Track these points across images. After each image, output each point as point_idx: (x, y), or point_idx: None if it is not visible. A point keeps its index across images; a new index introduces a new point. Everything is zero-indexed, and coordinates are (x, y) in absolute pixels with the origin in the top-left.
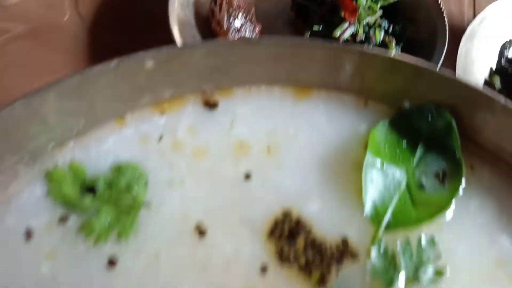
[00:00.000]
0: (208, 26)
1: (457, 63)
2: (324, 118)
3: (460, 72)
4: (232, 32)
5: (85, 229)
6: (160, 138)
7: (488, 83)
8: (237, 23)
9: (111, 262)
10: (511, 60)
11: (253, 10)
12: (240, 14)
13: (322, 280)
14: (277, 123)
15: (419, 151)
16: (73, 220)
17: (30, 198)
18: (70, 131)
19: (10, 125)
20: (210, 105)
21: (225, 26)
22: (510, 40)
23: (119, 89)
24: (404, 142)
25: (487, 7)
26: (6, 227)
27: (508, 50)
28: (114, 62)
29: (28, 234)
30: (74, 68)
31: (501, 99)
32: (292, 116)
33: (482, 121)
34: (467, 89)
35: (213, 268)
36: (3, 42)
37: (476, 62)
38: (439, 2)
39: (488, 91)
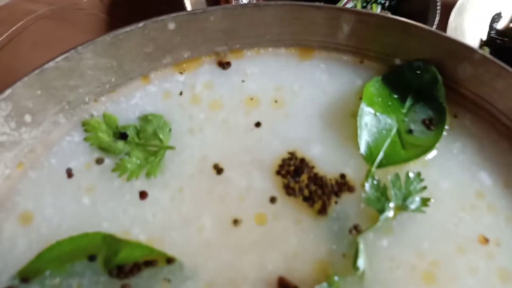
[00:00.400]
0: (217, 4)
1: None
2: (324, 75)
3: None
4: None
5: (119, 168)
6: (181, 93)
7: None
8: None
9: (142, 194)
10: (500, 31)
11: None
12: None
13: (324, 208)
14: (283, 80)
15: (408, 102)
16: (108, 161)
17: (70, 143)
18: (103, 86)
19: (53, 78)
20: (224, 65)
21: (233, 2)
22: (499, 13)
23: (144, 50)
24: (395, 94)
25: None
26: (50, 168)
27: (497, 22)
28: (141, 23)
29: (69, 173)
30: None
31: (479, 51)
32: (296, 74)
33: (464, 73)
34: (449, 42)
35: (229, 199)
36: (30, 21)
37: (466, 34)
38: None
39: (468, 44)
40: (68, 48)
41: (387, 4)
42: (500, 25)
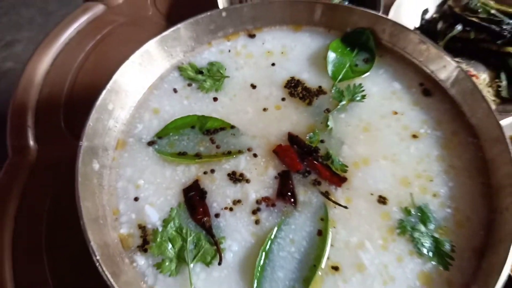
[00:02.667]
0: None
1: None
2: (308, 39)
3: None
4: None
5: (201, 87)
6: (229, 51)
7: None
8: None
9: (215, 99)
10: (427, 20)
11: None
12: None
13: (310, 102)
14: (285, 42)
15: (355, 50)
16: (194, 85)
17: (173, 76)
18: (188, 47)
19: (166, 40)
20: (251, 35)
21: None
22: (426, 9)
23: (209, 28)
24: (348, 47)
25: None
26: (165, 88)
27: (425, 14)
28: (208, 13)
29: (175, 90)
30: None
31: (391, 20)
32: (293, 39)
33: (384, 32)
34: (375, 16)
35: (260, 99)
36: (113, 28)
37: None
38: None
39: (385, 16)
40: (139, 46)
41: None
42: (427, 16)
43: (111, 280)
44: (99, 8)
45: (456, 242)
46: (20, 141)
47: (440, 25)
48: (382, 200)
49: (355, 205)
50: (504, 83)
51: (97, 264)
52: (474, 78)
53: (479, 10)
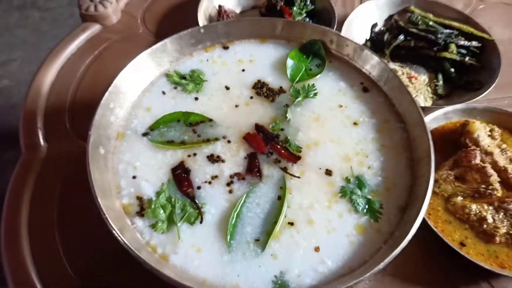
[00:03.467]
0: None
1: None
2: (272, 50)
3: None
4: None
5: (184, 90)
6: (207, 60)
7: (364, 45)
8: None
9: (196, 98)
10: (376, 33)
11: (239, 17)
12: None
13: (273, 99)
14: (253, 52)
15: (310, 57)
16: (179, 88)
17: (161, 82)
18: (174, 58)
19: (155, 52)
20: (225, 47)
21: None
22: (375, 23)
23: (190, 42)
24: (304, 55)
25: (359, 6)
26: (154, 91)
27: (375, 28)
28: (189, 29)
29: (164, 92)
30: None
31: (335, 32)
32: (259, 50)
33: (332, 42)
34: (325, 30)
35: (233, 98)
36: (109, 45)
37: (352, 36)
38: (334, 10)
39: (331, 30)
40: (133, 56)
41: (310, 22)
42: (376, 29)
43: (120, 234)
44: (96, 28)
45: (384, 202)
46: (31, 140)
47: (386, 36)
48: (328, 172)
49: (307, 176)
50: (440, 82)
51: (106, 221)
52: (413, 79)
53: (419, 23)
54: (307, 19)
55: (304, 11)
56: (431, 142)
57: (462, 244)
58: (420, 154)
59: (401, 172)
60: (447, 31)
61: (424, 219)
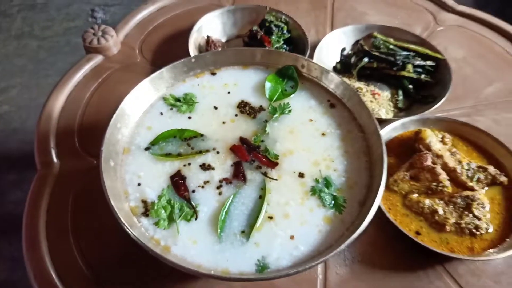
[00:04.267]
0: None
1: (314, 58)
2: (253, 73)
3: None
4: None
5: (179, 110)
6: (198, 85)
7: (335, 67)
8: None
9: (190, 117)
10: (345, 56)
11: (225, 47)
12: (219, 49)
13: (255, 116)
14: (237, 77)
15: (285, 80)
16: (174, 109)
17: (159, 104)
18: (170, 84)
19: (153, 80)
20: (213, 74)
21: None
22: (344, 48)
23: (182, 70)
24: (280, 78)
25: (328, 33)
26: (153, 112)
27: (344, 51)
28: (182, 60)
29: (161, 113)
30: None
31: (305, 58)
32: (242, 75)
33: (302, 66)
34: (296, 57)
35: (221, 116)
36: (111, 73)
37: (324, 61)
38: (307, 37)
39: (302, 56)
40: (131, 86)
41: (287, 49)
42: (345, 53)
43: (130, 229)
44: (99, 58)
45: (347, 198)
46: (46, 157)
47: (353, 59)
48: (301, 175)
49: (283, 179)
50: (400, 97)
51: (118, 219)
52: (377, 95)
53: (381, 46)
54: (284, 46)
55: (281, 39)
56: (384, 148)
57: (417, 233)
58: (376, 158)
59: (361, 173)
60: (405, 53)
61: (385, 214)
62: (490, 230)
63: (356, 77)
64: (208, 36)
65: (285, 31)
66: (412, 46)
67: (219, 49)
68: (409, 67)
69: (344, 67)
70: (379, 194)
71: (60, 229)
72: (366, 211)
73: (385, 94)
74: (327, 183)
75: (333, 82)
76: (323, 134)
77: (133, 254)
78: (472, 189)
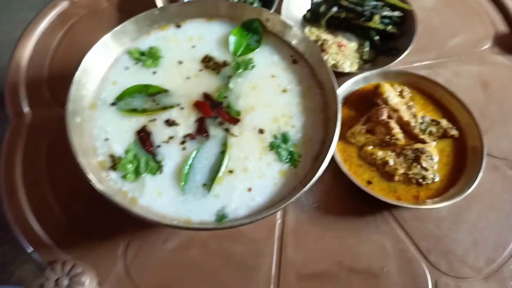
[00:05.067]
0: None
1: (282, 6)
2: (218, 27)
3: (284, 11)
4: None
5: (144, 65)
6: (163, 38)
7: (305, 16)
8: None
9: (154, 72)
10: (315, 3)
11: None
12: None
13: (218, 72)
14: (202, 30)
15: (250, 34)
16: (140, 63)
17: (125, 58)
18: (134, 36)
19: (117, 34)
20: (178, 26)
21: None
22: None
23: (146, 22)
24: (245, 31)
25: None
26: (120, 64)
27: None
28: (145, 12)
29: (126, 68)
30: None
31: (270, 12)
32: (207, 27)
33: (267, 21)
34: (261, 10)
35: (185, 70)
36: (77, 20)
37: (293, 8)
38: None
39: (266, 10)
40: (99, 33)
41: None
42: (315, 0)
43: (96, 184)
44: (64, 3)
45: (302, 153)
46: (17, 108)
47: (322, 8)
48: (260, 131)
49: (244, 135)
50: (366, 49)
51: (85, 174)
52: (343, 47)
53: None
54: None
55: None
56: (339, 106)
57: (369, 182)
58: (332, 115)
59: (317, 129)
60: (373, 3)
61: (340, 164)
62: (437, 179)
63: (325, 27)
64: None
65: None
66: None
67: None
68: (376, 18)
69: (313, 16)
70: (330, 150)
71: (36, 178)
72: (318, 166)
73: (352, 45)
74: (285, 139)
75: (296, 37)
76: (284, 91)
77: (104, 202)
78: (423, 141)
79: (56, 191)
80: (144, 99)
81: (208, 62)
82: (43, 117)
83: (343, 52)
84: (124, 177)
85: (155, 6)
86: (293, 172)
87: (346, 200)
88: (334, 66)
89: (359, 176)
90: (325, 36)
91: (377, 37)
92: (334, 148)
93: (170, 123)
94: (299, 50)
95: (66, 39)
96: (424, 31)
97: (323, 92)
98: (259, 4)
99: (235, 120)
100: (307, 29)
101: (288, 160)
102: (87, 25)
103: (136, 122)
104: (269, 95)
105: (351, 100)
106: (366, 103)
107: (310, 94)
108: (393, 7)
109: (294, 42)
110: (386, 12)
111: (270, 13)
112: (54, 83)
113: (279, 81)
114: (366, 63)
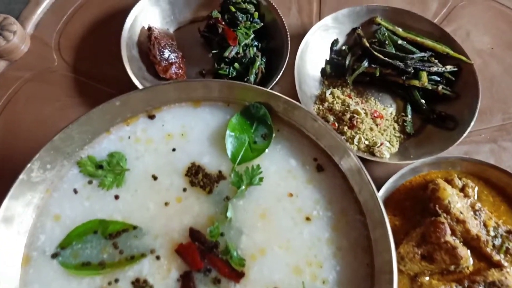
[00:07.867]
0: (148, 58)
1: (295, 62)
2: (208, 115)
3: (297, 67)
4: (163, 61)
5: (101, 184)
6: (129, 137)
7: (324, 69)
8: (166, 54)
9: (116, 196)
10: (336, 52)
11: (174, 42)
12: (167, 49)
13: (211, 190)
14: (185, 121)
15: (254, 125)
16: (95, 182)
17: (72, 174)
18: (85, 141)
19: (59, 143)
20: (151, 117)
21: (158, 58)
22: (336, 39)
23: (105, 117)
24: (247, 121)
25: (317, 23)
26: (64, 189)
27: (335, 46)
28: (100, 106)
29: (75, 191)
30: (66, 96)
31: (283, 97)
32: (192, 116)
33: (278, 107)
34: (269, 94)
35: (161, 192)
36: (20, 85)
37: (310, 59)
38: (285, 26)
39: (276, 93)
40: (49, 100)
41: (260, 46)
42: (337, 47)
43: None
44: (1, 64)
45: None
46: None
47: (348, 59)
48: None
49: None
50: (409, 117)
51: None
52: (379, 119)
53: (386, 41)
54: (255, 43)
55: (251, 31)
56: (393, 248)
57: None
58: (382, 266)
59: (360, 284)
60: (418, 55)
61: None
62: None
63: (351, 85)
64: (150, 28)
65: (255, 19)
66: (429, 42)
67: (165, 46)
68: (424, 75)
69: (335, 70)
70: None
71: None
72: None
73: (390, 111)
74: None
75: (321, 133)
76: (308, 219)
77: None
78: (499, 264)
79: None
80: (102, 243)
81: (195, 175)
82: None
83: (379, 126)
84: None
85: (120, 63)
86: None
87: None
88: (368, 149)
89: None
90: (354, 101)
91: (422, 101)
92: None
93: (140, 285)
94: (327, 151)
95: (5, 115)
96: (483, 85)
97: (364, 220)
98: (262, 63)
99: (237, 276)
100: (328, 92)
101: None
102: (33, 93)
103: (90, 285)
104: (285, 227)
105: (394, 200)
106: (415, 204)
107: (345, 223)
108: (442, 57)
109: (320, 139)
110: (436, 68)
111: (285, 99)
112: None
113: (300, 202)
114: (408, 138)
